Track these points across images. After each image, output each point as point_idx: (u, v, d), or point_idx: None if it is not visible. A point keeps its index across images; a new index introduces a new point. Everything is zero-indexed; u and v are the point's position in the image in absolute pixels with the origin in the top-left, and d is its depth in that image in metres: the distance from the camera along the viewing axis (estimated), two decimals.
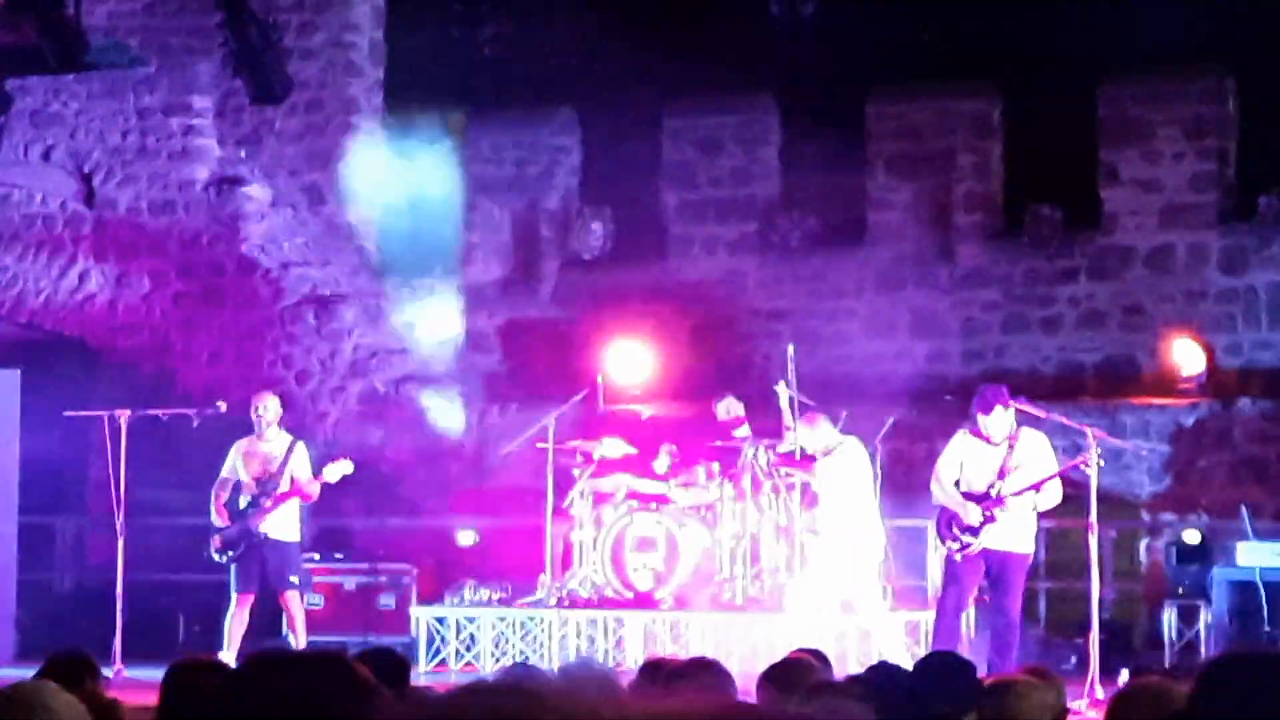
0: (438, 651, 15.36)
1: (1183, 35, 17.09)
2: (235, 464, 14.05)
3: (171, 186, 19.52)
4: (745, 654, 13.51)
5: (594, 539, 14.96)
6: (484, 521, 17.27)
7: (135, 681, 11.94)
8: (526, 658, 14.91)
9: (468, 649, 15.33)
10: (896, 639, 13.77)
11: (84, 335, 19.69)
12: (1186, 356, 17.03)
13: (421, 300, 18.39)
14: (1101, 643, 12.54)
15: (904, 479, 14.64)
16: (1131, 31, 17.21)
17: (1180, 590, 15.41)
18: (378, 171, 19.47)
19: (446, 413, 18.27)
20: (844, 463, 13.46)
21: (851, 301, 18.53)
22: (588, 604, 14.98)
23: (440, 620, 15.45)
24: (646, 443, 15.78)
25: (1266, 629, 14.48)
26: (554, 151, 19.82)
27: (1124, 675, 12.27)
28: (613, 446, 15.41)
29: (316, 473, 14.00)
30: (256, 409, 14.08)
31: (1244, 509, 15.39)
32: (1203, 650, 14.84)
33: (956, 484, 12.33)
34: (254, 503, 13.89)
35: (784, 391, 14.44)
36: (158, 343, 19.36)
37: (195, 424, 14.76)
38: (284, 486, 13.91)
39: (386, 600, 16.34)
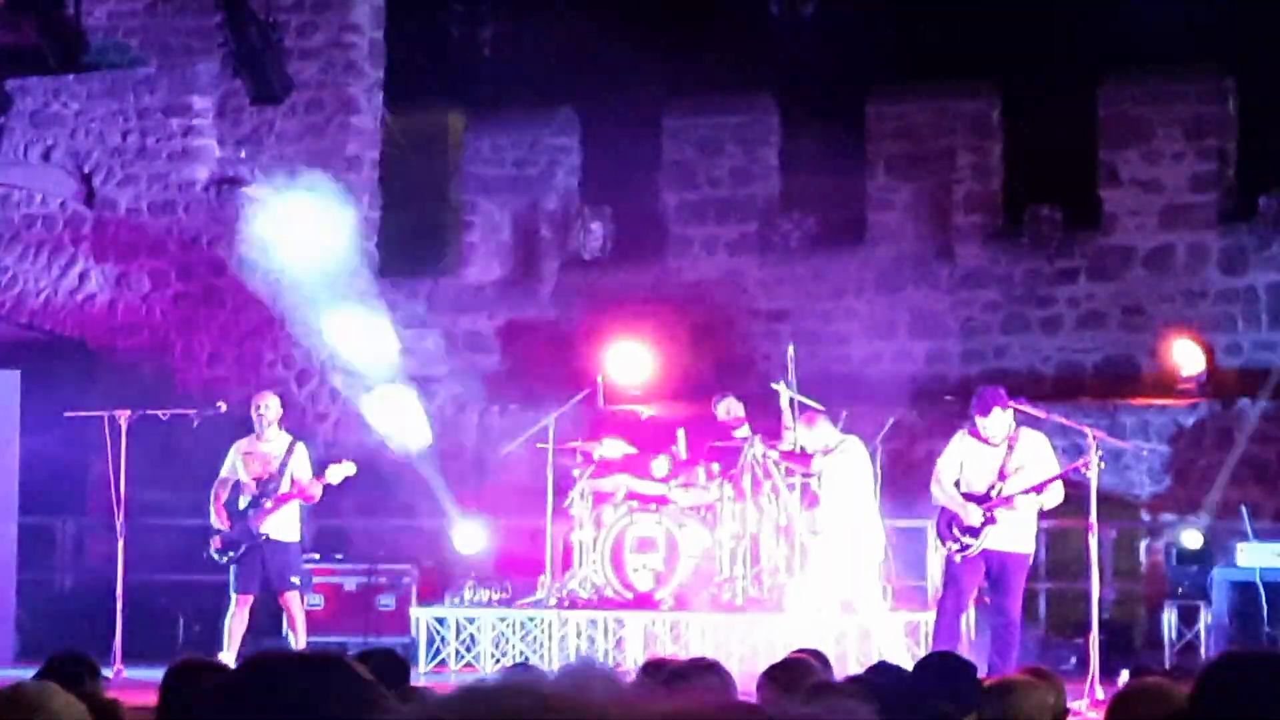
0: (438, 652, 15.36)
1: (1183, 35, 17.08)
2: (235, 464, 14.05)
3: (171, 187, 19.52)
4: (745, 654, 13.52)
5: (594, 539, 14.96)
6: (483, 522, 17.27)
7: (135, 682, 11.94)
8: (526, 658, 14.91)
9: (468, 649, 15.33)
10: (897, 639, 13.77)
11: (84, 336, 19.69)
12: (1186, 357, 17.02)
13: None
14: (1101, 643, 12.54)
15: (904, 479, 14.64)
16: (1131, 31, 17.20)
17: (1180, 591, 15.41)
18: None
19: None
20: (844, 462, 13.46)
21: (851, 302, 18.52)
22: (588, 604, 14.98)
23: (440, 621, 15.45)
24: (646, 443, 15.78)
25: (1266, 630, 14.49)
26: (554, 152, 19.81)
27: (1124, 676, 12.27)
28: (613, 447, 15.41)
29: (317, 473, 14.00)
30: (258, 408, 14.08)
31: (1244, 509, 15.39)
32: (1203, 651, 14.83)
33: (956, 485, 12.33)
34: (254, 503, 13.89)
35: (783, 391, 14.44)
36: (158, 343, 19.36)
37: (195, 424, 14.76)
38: (285, 487, 13.91)
39: (386, 601, 16.34)
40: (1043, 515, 12.80)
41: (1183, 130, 17.78)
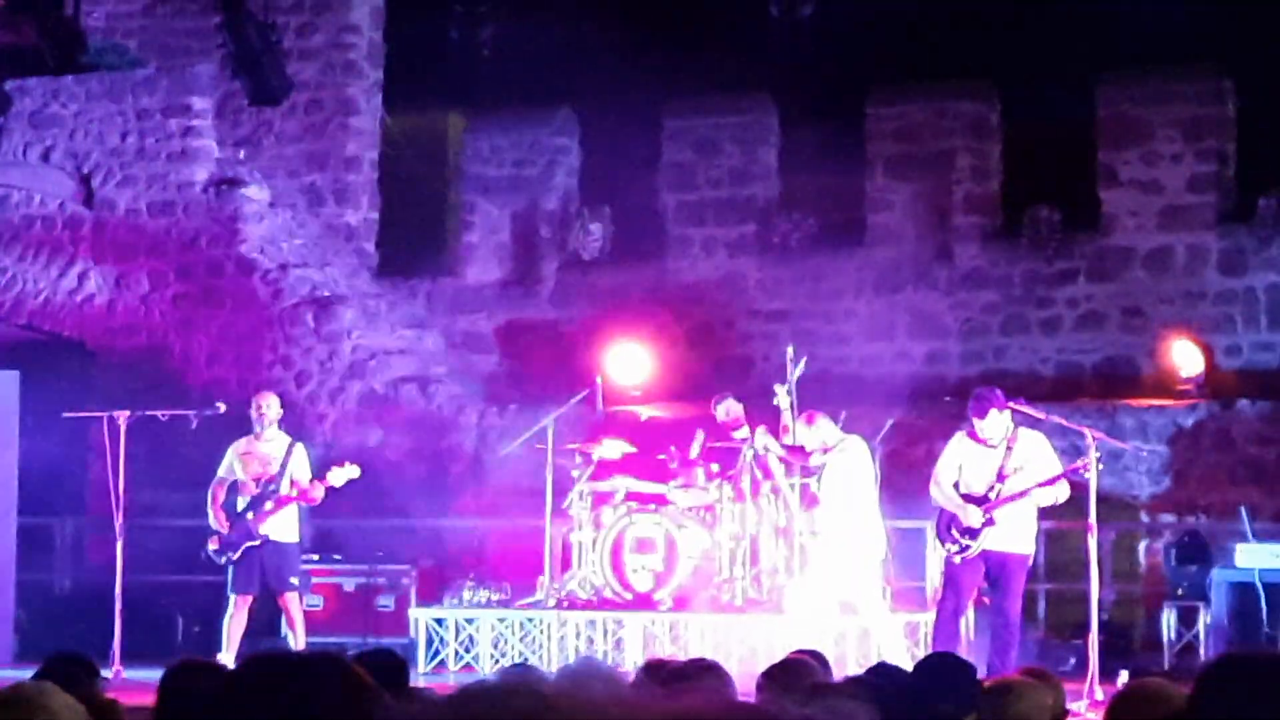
0: (437, 653, 15.36)
1: (1182, 36, 17.08)
2: (232, 464, 14.04)
3: (170, 187, 19.51)
4: (744, 655, 13.51)
5: (593, 540, 14.96)
6: (483, 522, 17.28)
7: (134, 683, 11.94)
8: (525, 659, 14.91)
9: (467, 650, 15.33)
10: (896, 640, 13.76)
11: (83, 336, 19.69)
12: (1185, 358, 17.02)
13: None
14: (1101, 644, 12.54)
15: (903, 480, 14.63)
16: (1131, 32, 17.20)
17: (1179, 592, 15.40)
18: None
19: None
20: (843, 461, 13.44)
21: (850, 302, 18.52)
22: (587, 605, 14.98)
23: (439, 621, 15.45)
24: (646, 443, 15.78)
25: (1266, 630, 14.48)
26: (553, 152, 19.82)
27: (1123, 676, 12.26)
28: (612, 447, 15.41)
29: (318, 475, 14.00)
30: (258, 408, 14.07)
31: (1243, 510, 15.39)
32: (1202, 652, 14.83)
33: (955, 486, 12.32)
34: (254, 504, 13.88)
35: (783, 393, 14.43)
36: (156, 344, 19.35)
37: (194, 425, 14.75)
38: (285, 488, 13.90)
39: (385, 601, 16.33)
40: (1042, 516, 12.79)
41: (1182, 131, 17.79)
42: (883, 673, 6.48)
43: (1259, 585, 14.59)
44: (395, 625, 15.93)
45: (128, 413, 14.44)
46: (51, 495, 17.94)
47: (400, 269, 19.84)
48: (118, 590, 14.22)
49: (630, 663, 13.94)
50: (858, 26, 18.54)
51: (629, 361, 18.02)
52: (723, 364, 18.34)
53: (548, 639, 14.99)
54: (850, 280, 18.55)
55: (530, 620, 15.17)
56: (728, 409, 15.28)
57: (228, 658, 13.06)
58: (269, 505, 13.85)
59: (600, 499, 15.24)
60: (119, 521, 14.30)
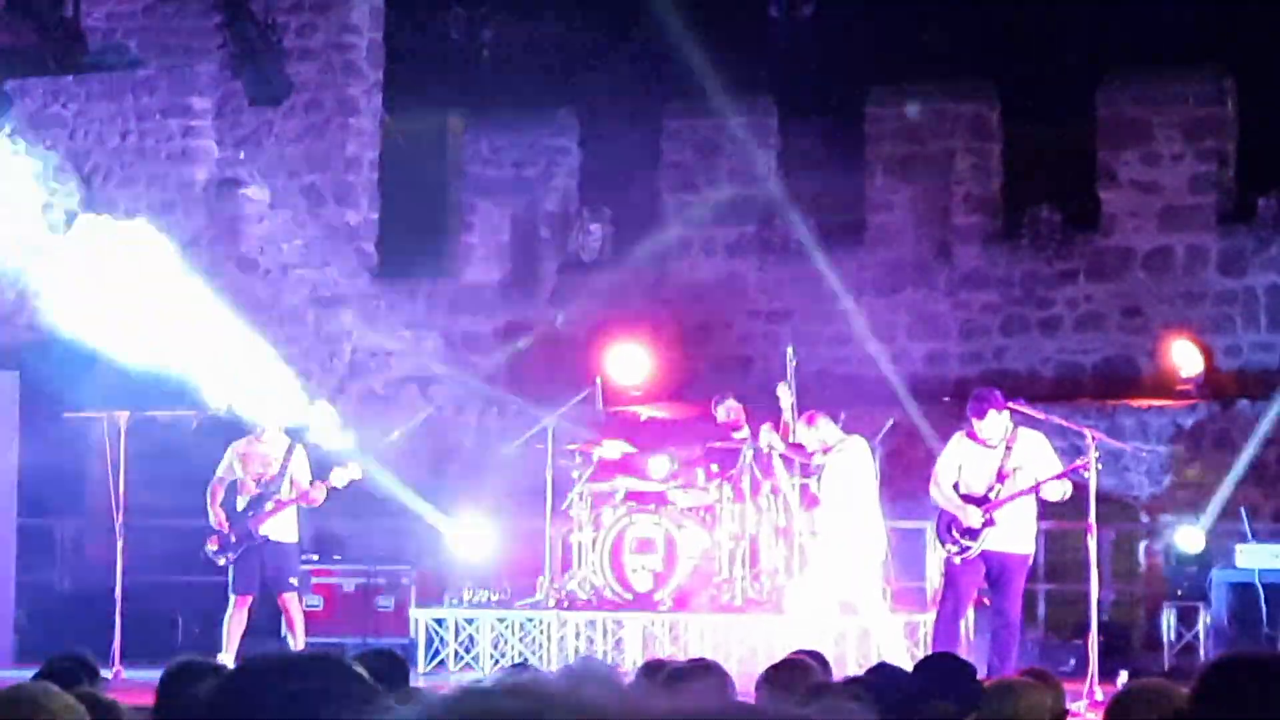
0: (437, 653, 15.36)
1: (1182, 36, 17.08)
2: (232, 464, 14.04)
3: (170, 188, 19.51)
4: (744, 655, 13.52)
5: (593, 540, 14.96)
6: (482, 522, 17.27)
7: (134, 683, 11.94)
8: (525, 659, 14.91)
9: (467, 650, 15.33)
10: (896, 640, 13.76)
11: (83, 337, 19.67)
12: (1185, 358, 17.02)
13: None
14: (1100, 645, 12.55)
15: (903, 480, 14.64)
16: (1131, 32, 17.20)
17: (1179, 592, 15.40)
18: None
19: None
20: (842, 461, 13.44)
21: (850, 303, 18.52)
22: (586, 605, 14.98)
23: (439, 622, 15.45)
24: (646, 444, 15.78)
25: (1266, 631, 14.49)
26: (553, 153, 19.81)
27: (1123, 677, 12.26)
28: (612, 448, 15.41)
29: (320, 476, 14.00)
30: None
31: (1243, 511, 15.39)
32: (1202, 652, 14.83)
33: (955, 487, 12.32)
34: (254, 504, 13.88)
35: (785, 394, 14.44)
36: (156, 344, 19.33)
37: (194, 425, 14.75)
38: (285, 489, 13.90)
39: (385, 602, 16.33)
40: (1042, 516, 12.80)
41: (1182, 132, 17.78)
42: (883, 673, 6.48)
43: (1259, 585, 14.60)
44: (395, 625, 15.93)
45: (127, 413, 14.44)
46: (51, 496, 17.94)
47: (400, 269, 19.83)
48: (118, 590, 14.23)
49: (630, 663, 13.95)
50: (858, 26, 18.55)
51: (629, 361, 18.02)
52: (723, 364, 18.34)
53: (548, 639, 14.99)
54: (850, 280, 18.54)
55: (530, 620, 15.18)
56: (728, 409, 15.28)
57: (228, 658, 13.05)
58: (269, 506, 13.85)
59: (600, 499, 15.24)
60: (119, 522, 14.31)
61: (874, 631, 13.61)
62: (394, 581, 16.37)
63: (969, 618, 13.63)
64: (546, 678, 2.27)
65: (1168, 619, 15.34)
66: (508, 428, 17.43)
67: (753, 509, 14.71)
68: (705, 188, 19.17)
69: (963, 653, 10.38)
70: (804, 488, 14.42)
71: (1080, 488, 12.45)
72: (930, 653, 10.93)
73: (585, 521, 15.09)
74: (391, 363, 18.86)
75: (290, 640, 13.88)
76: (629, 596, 14.80)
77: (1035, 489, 12.19)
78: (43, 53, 18.57)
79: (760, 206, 19.08)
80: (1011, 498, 12.17)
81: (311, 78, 19.58)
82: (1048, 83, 17.69)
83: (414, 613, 15.78)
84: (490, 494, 17.63)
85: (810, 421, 13.63)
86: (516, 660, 14.89)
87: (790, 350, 14.86)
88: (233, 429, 14.44)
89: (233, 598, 13.88)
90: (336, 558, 16.61)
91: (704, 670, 6.32)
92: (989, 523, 12.17)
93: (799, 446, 13.94)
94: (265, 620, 14.78)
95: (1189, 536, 15.64)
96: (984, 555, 12.24)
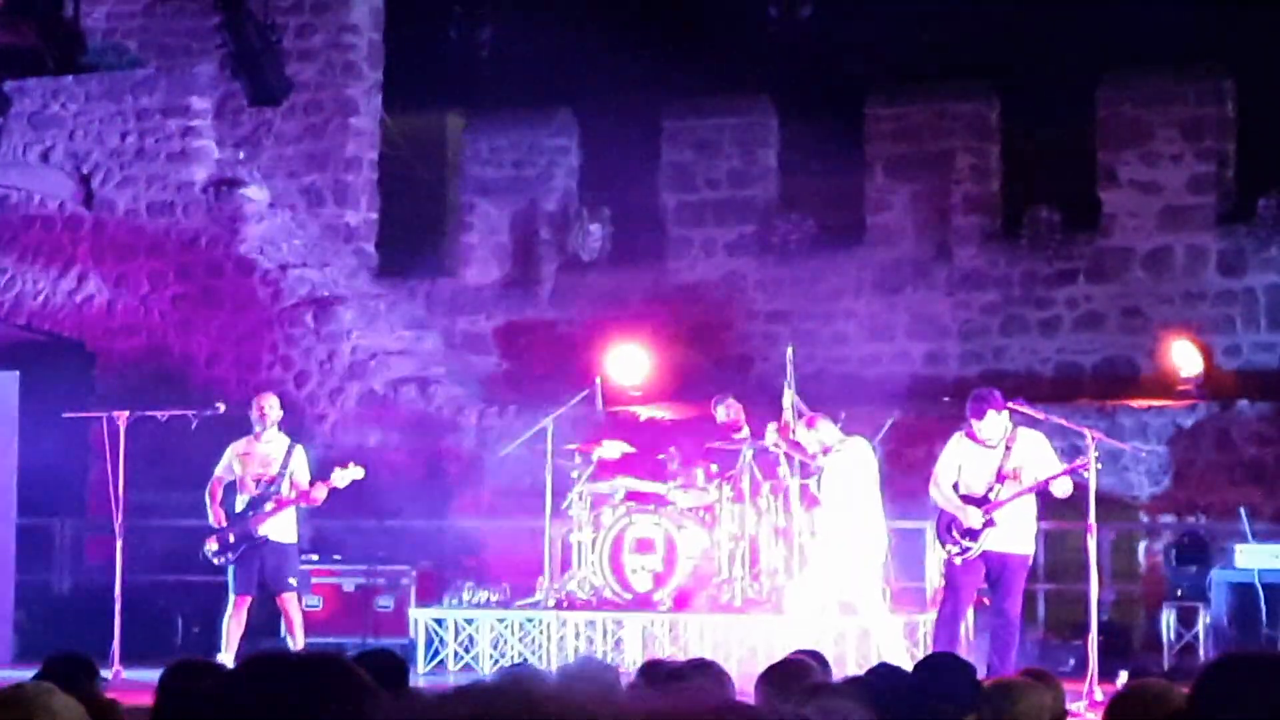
0: (436, 653, 15.36)
1: (1182, 36, 17.08)
2: (231, 463, 14.04)
3: (170, 188, 19.51)
4: (744, 656, 13.51)
5: (592, 540, 14.96)
6: (482, 522, 17.28)
7: (134, 683, 11.94)
8: (525, 659, 14.90)
9: (466, 650, 15.33)
10: (896, 641, 13.75)
11: (82, 337, 19.69)
12: (1185, 358, 17.02)
13: None
14: (1100, 644, 12.54)
15: (903, 480, 14.63)
16: (1130, 32, 17.19)
17: (1179, 592, 15.40)
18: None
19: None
20: (842, 463, 13.43)
21: (850, 303, 18.52)
22: (586, 605, 14.97)
23: (439, 622, 15.44)
24: (646, 444, 15.78)
25: (1265, 631, 14.48)
26: (553, 153, 19.82)
27: (1122, 677, 12.26)
28: (611, 448, 15.41)
29: (321, 476, 13.99)
30: (262, 409, 14.06)
31: (1243, 511, 15.39)
32: (1201, 652, 14.82)
33: (955, 487, 12.32)
34: (253, 504, 13.88)
35: (787, 396, 14.43)
36: (156, 344, 19.35)
37: (194, 425, 14.75)
38: (286, 490, 13.89)
39: (385, 602, 16.32)
40: (1042, 516, 12.79)
41: (1181, 132, 17.79)
42: (883, 673, 6.48)
43: (1258, 585, 14.60)
44: (395, 626, 15.93)
45: (127, 413, 14.44)
46: (51, 495, 17.93)
47: (400, 269, 19.83)
48: (117, 590, 14.22)
49: (630, 663, 13.94)
50: (858, 26, 18.55)
51: (629, 361, 18.02)
52: (722, 364, 18.34)
53: (547, 639, 14.99)
54: (850, 280, 18.55)
55: (530, 621, 15.17)
56: (728, 409, 15.28)
57: (227, 658, 13.05)
58: (269, 506, 13.85)
59: (600, 499, 15.24)
60: (119, 521, 14.31)
61: (874, 631, 13.60)
62: (394, 581, 16.36)
63: (969, 618, 13.62)
64: (543, 678, 2.27)
65: (1168, 619, 15.34)
66: (508, 428, 17.44)
67: (752, 509, 14.70)
68: (705, 188, 19.18)
69: (963, 653, 10.37)
70: (804, 488, 14.42)
71: (1080, 488, 12.45)
72: (930, 652, 10.92)
73: (585, 521, 15.09)
74: (391, 363, 18.86)
75: (290, 640, 13.87)
76: (629, 597, 14.79)
77: (1035, 488, 12.19)
78: (43, 53, 18.56)
79: (760, 206, 19.08)
80: (1011, 498, 12.17)
81: (311, 78, 19.59)
82: (1048, 83, 17.69)
83: (414, 613, 15.78)
84: (489, 494, 17.64)
85: (810, 424, 13.62)
86: (516, 661, 14.89)
87: (790, 350, 14.86)
88: (232, 429, 14.43)
89: (232, 598, 13.87)
90: (336, 558, 16.60)
91: (704, 670, 6.32)
92: (989, 523, 12.17)
93: (800, 446, 13.94)
94: (265, 620, 14.78)
95: (1189, 536, 15.65)
96: (984, 555, 12.24)
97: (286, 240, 19.51)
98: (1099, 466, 12.47)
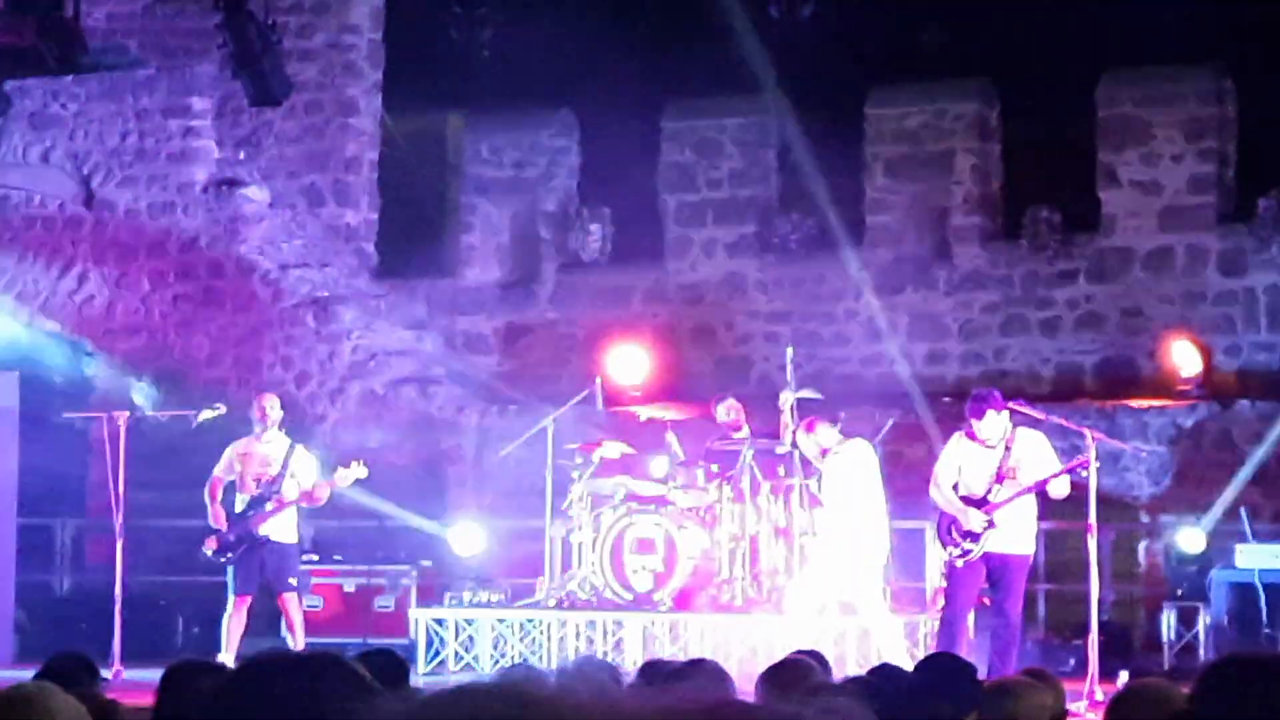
0: (437, 653, 15.36)
1: (1182, 36, 17.07)
2: (231, 463, 14.04)
3: (170, 188, 19.51)
4: (744, 656, 13.51)
5: (593, 540, 14.95)
6: (483, 523, 17.27)
7: (134, 683, 11.93)
8: (525, 660, 14.90)
9: (467, 651, 15.32)
10: (896, 641, 13.75)
11: (83, 336, 19.69)
12: (1185, 358, 17.02)
13: None
14: (1100, 645, 12.54)
15: (903, 480, 14.63)
16: (1130, 32, 17.19)
17: (1179, 592, 15.40)
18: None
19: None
20: (842, 465, 13.43)
21: (850, 303, 18.52)
22: (586, 605, 14.97)
23: (439, 622, 15.44)
24: (646, 444, 15.78)
25: (1266, 631, 14.48)
26: (553, 153, 19.81)
27: (1123, 677, 12.26)
28: (612, 447, 15.40)
29: (325, 475, 13.99)
30: (263, 409, 14.06)
31: (1243, 511, 15.39)
32: (1202, 652, 14.83)
33: (955, 488, 12.32)
34: (254, 505, 13.88)
35: (789, 396, 14.43)
36: (156, 344, 19.36)
37: (194, 425, 14.75)
38: (287, 490, 13.89)
39: (385, 602, 16.33)
40: (1042, 516, 12.79)
41: (1181, 132, 17.78)
42: (883, 673, 6.48)
43: (1259, 585, 14.60)
44: (395, 626, 15.93)
45: (127, 413, 14.44)
46: (51, 496, 17.94)
47: (400, 269, 19.83)
48: (118, 590, 14.22)
49: (630, 663, 13.94)
50: (858, 26, 18.56)
51: (629, 361, 18.03)
52: (723, 364, 18.34)
53: (548, 640, 14.99)
54: (850, 281, 18.54)
55: (530, 621, 15.17)
56: (728, 409, 15.28)
57: (228, 658, 13.05)
58: (270, 506, 13.85)
59: (600, 499, 15.23)
60: (118, 522, 14.30)
61: (874, 631, 13.61)
62: (394, 582, 16.36)
63: (969, 617, 13.62)
64: (543, 678, 2.27)
65: (1168, 619, 15.34)
66: (508, 428, 17.43)
67: (753, 509, 14.70)
68: (705, 188, 19.17)
69: (963, 653, 10.38)
70: (804, 488, 14.41)
71: (1080, 488, 12.45)
72: (930, 652, 10.92)
73: (585, 521, 15.09)
74: (391, 363, 18.86)
75: (290, 640, 13.87)
76: (629, 597, 14.79)
77: (1035, 488, 12.19)
78: (42, 53, 18.54)
79: (760, 206, 19.08)
80: (1011, 498, 12.17)
81: (311, 78, 19.58)
82: (1048, 83, 17.68)
83: (414, 613, 15.77)
84: (490, 494, 17.64)
85: (809, 428, 13.62)
86: (517, 661, 14.89)
87: (790, 350, 14.86)
88: (232, 429, 14.44)
89: (232, 598, 13.87)
90: (337, 558, 16.60)
91: (704, 670, 6.32)
92: (990, 525, 12.17)
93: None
94: (265, 620, 14.78)
95: (1189, 536, 15.64)
96: (985, 556, 12.24)
97: (287, 240, 19.51)
98: (1098, 465, 12.47)
